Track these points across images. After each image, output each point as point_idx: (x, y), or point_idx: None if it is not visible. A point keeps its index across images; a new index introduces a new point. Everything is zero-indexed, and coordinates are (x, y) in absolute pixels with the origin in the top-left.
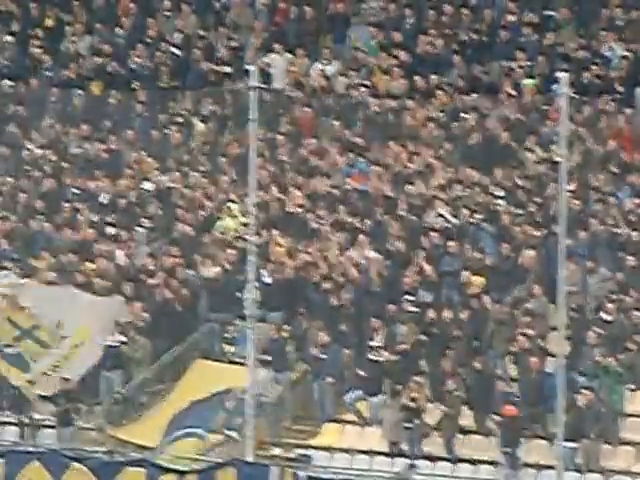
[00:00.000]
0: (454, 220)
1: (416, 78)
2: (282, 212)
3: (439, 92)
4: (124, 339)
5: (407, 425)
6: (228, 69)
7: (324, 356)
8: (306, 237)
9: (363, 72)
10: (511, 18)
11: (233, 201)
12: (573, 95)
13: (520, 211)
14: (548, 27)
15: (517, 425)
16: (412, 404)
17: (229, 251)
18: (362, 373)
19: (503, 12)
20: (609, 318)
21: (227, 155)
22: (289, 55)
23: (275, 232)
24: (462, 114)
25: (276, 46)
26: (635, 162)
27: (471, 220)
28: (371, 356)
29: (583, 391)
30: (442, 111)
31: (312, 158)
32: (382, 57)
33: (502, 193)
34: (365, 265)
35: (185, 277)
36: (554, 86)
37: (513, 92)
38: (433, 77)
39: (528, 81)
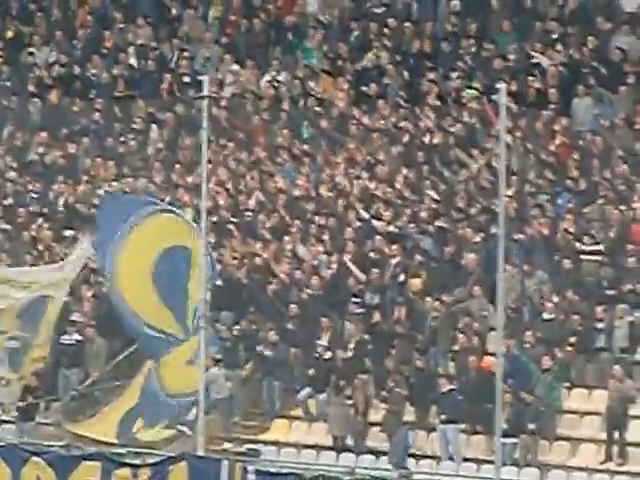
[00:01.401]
0: (397, 223)
1: (360, 88)
2: (232, 216)
3: (382, 102)
4: (80, 338)
5: (352, 421)
6: (181, 79)
7: (272, 354)
8: (256, 240)
9: (310, 82)
10: (452, 30)
11: (186, 205)
12: (511, 104)
13: (461, 215)
14: (487, 39)
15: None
16: (357, 401)
17: None
18: (310, 371)
19: (444, 24)
20: (546, 319)
21: (181, 162)
22: (239, 65)
23: (226, 235)
24: (405, 123)
25: (227, 57)
26: (571, 168)
27: (414, 224)
28: (319, 355)
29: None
30: (385, 119)
31: (261, 164)
32: (328, 68)
33: (444, 197)
34: (313, 267)
35: None
36: (494, 96)
37: (454, 101)
38: (377, 88)
39: (471, 91)
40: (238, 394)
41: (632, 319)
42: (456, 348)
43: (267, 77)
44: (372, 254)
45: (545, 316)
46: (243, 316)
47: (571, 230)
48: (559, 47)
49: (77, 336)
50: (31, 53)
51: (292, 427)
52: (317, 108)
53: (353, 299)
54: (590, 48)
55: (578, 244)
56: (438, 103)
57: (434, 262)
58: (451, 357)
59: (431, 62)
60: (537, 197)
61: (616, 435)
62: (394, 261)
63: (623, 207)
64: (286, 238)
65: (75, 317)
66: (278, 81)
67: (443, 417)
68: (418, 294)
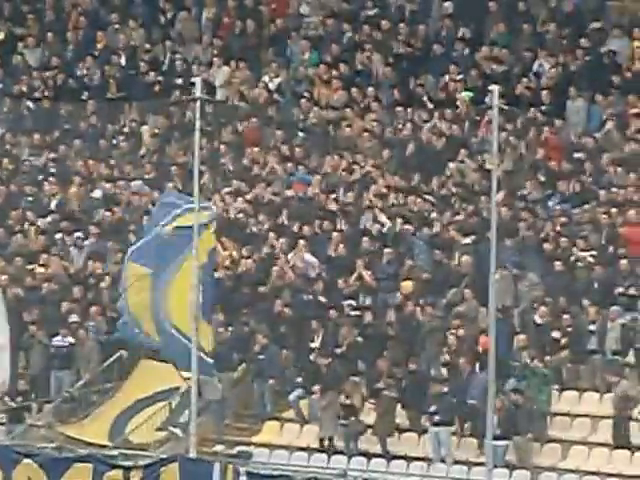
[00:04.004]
0: (390, 227)
1: (354, 90)
2: (225, 218)
3: (375, 104)
4: (73, 340)
5: (343, 423)
6: (174, 81)
7: (264, 357)
8: (248, 242)
9: (303, 84)
10: (445, 33)
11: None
12: (504, 107)
13: (453, 218)
14: (481, 42)
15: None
16: (349, 403)
17: None
18: (302, 373)
19: (437, 27)
20: (537, 322)
21: (173, 164)
22: (232, 68)
23: (218, 237)
24: (398, 125)
25: (220, 59)
26: (563, 171)
27: (406, 227)
28: (311, 357)
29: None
30: (378, 122)
31: (254, 167)
32: (322, 70)
33: (436, 201)
34: (305, 269)
35: None
36: (487, 99)
37: (447, 104)
38: (370, 89)
39: (465, 94)
40: (230, 396)
41: (624, 321)
42: (448, 350)
43: (265, 79)
44: (364, 256)
45: (536, 319)
46: (235, 318)
47: (562, 233)
48: (552, 50)
49: (69, 338)
50: (20, 54)
51: (284, 429)
52: (310, 110)
53: (345, 302)
54: (583, 51)
55: (570, 247)
56: (431, 105)
57: (426, 265)
58: (443, 359)
59: (424, 64)
60: (528, 200)
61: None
62: (388, 264)
63: (614, 210)
64: (279, 241)
65: (71, 319)
66: (273, 83)
67: (435, 419)
68: (410, 297)
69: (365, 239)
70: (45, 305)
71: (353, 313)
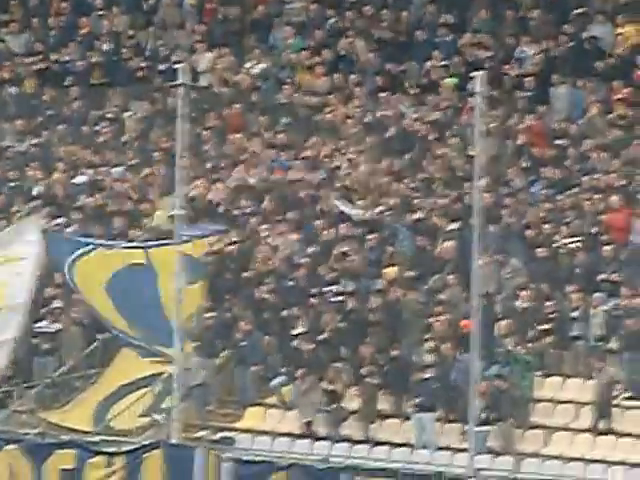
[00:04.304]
0: (373, 212)
1: (337, 76)
2: (208, 204)
3: (358, 90)
4: (59, 326)
5: (326, 409)
6: (157, 67)
7: (247, 342)
8: (231, 227)
9: (286, 70)
10: (428, 19)
11: (163, 194)
12: (487, 93)
13: (436, 204)
14: (464, 28)
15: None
16: (332, 389)
17: None
18: (285, 359)
19: (420, 14)
20: (520, 308)
21: (156, 150)
22: (216, 54)
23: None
24: (381, 111)
25: (203, 45)
26: (546, 157)
27: (390, 212)
28: (294, 343)
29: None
30: (361, 108)
31: (238, 152)
32: (305, 56)
33: (419, 187)
34: (288, 255)
35: None
36: (470, 84)
37: (430, 90)
38: (353, 76)
39: (449, 80)
40: (213, 382)
41: (607, 308)
42: (431, 336)
43: (247, 65)
44: (348, 242)
45: (519, 304)
46: (218, 304)
47: (546, 219)
48: (536, 36)
49: (53, 324)
50: (2, 40)
51: (266, 415)
52: (293, 96)
53: (328, 287)
54: (566, 37)
55: (553, 233)
56: (414, 91)
57: (409, 251)
58: (426, 346)
59: (407, 50)
60: (512, 186)
61: (602, 424)
62: (371, 250)
63: (598, 196)
64: (261, 227)
65: (54, 305)
66: (256, 69)
67: (418, 405)
68: (393, 283)
69: (348, 225)
70: None
71: (334, 299)
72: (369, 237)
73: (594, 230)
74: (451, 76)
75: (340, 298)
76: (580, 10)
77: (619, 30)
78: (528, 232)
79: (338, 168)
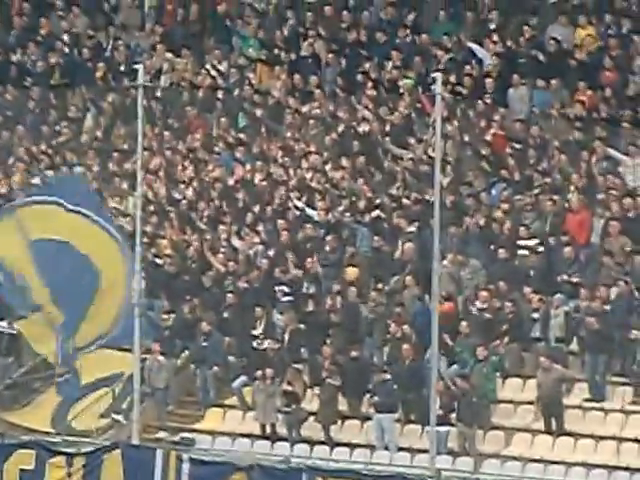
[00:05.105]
0: (333, 213)
1: (297, 77)
2: (168, 204)
3: (319, 91)
4: (17, 327)
5: (286, 410)
6: (117, 68)
7: (207, 343)
8: (191, 228)
9: (246, 71)
10: (388, 19)
11: (122, 194)
12: (447, 94)
13: (396, 204)
14: (424, 29)
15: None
16: (291, 390)
17: None
18: (245, 360)
19: (380, 14)
20: (481, 309)
21: (115, 150)
22: (176, 54)
23: (161, 223)
24: (340, 112)
25: (163, 46)
26: (506, 158)
27: (349, 214)
28: (254, 344)
29: (456, 378)
30: (321, 109)
31: (197, 152)
32: (265, 56)
33: (379, 187)
34: (248, 255)
35: None
36: (432, 86)
37: (391, 90)
38: (313, 77)
39: (407, 81)
40: (173, 383)
41: (567, 309)
42: (390, 337)
43: (207, 66)
44: (307, 243)
45: (479, 305)
46: (178, 305)
47: (506, 220)
48: (495, 37)
49: (14, 325)
50: None
51: (226, 416)
52: (253, 97)
53: (287, 289)
54: (526, 38)
55: (513, 234)
56: (374, 92)
57: (369, 252)
58: (385, 347)
59: (367, 51)
60: (472, 187)
61: (553, 424)
62: (330, 251)
63: (558, 197)
64: (221, 227)
65: None
66: (216, 70)
67: (378, 406)
68: (353, 284)
69: (308, 226)
70: None
71: (286, 299)
72: (328, 238)
73: (554, 231)
74: (407, 77)
75: (290, 298)
76: (540, 11)
77: (580, 31)
78: (488, 233)
79: (298, 168)
